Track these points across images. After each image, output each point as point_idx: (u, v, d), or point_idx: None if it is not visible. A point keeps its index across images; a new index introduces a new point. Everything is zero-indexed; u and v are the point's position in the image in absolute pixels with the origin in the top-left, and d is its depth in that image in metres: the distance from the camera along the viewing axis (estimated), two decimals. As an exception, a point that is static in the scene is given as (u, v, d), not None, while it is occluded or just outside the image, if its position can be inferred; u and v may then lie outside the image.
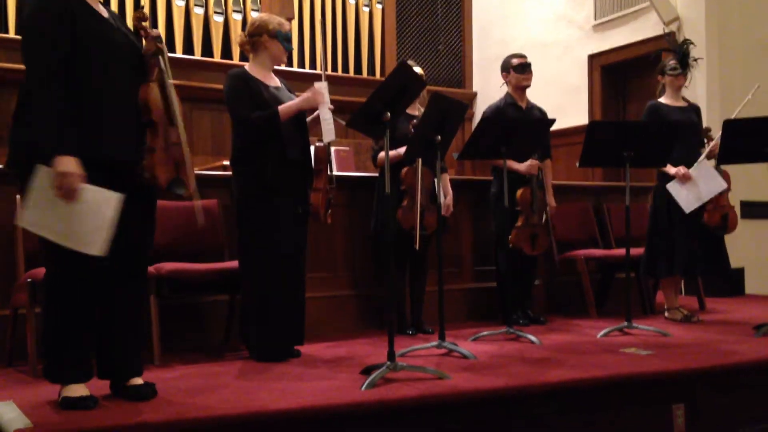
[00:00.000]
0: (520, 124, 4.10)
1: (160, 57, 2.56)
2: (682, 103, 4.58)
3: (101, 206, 2.32)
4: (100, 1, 2.57)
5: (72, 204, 2.27)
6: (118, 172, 2.42)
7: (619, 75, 7.07)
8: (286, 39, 3.49)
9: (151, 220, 2.69)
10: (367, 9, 7.91)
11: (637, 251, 4.87)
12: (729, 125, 4.00)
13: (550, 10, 7.58)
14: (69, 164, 2.24)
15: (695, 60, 4.64)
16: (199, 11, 6.94)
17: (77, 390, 2.42)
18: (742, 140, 3.98)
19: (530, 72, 4.55)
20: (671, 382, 3.00)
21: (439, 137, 3.43)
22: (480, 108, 8.33)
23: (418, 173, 3.92)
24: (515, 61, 4.53)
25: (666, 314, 4.59)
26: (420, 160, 3.89)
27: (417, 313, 4.20)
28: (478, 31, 8.53)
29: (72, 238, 2.29)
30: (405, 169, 3.95)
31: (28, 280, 3.06)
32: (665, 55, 4.74)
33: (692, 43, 4.67)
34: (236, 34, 7.05)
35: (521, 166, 4.31)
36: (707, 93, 5.92)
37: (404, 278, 4.16)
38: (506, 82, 4.60)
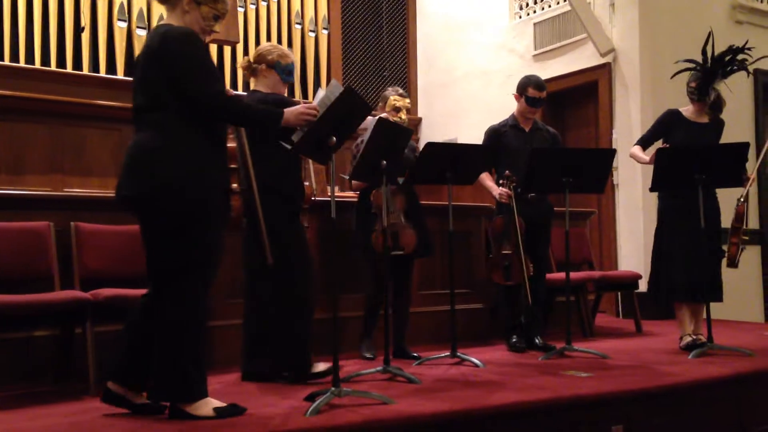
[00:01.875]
0: (464, 149, 4.12)
1: None
2: (703, 119, 4.38)
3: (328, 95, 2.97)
4: None
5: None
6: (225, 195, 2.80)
7: (558, 104, 7.26)
8: (286, 71, 3.50)
9: None
10: (313, 34, 7.96)
11: (576, 275, 5.00)
12: (661, 153, 4.13)
13: (492, 40, 7.77)
14: (291, 113, 2.83)
15: (727, 76, 4.33)
16: (141, 33, 6.86)
17: (212, 402, 2.62)
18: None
19: (540, 107, 4.45)
20: (610, 404, 3.07)
21: (385, 162, 3.46)
22: (425, 133, 8.46)
23: (382, 194, 3.81)
24: (531, 91, 4.38)
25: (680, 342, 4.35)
26: (386, 181, 3.86)
27: (399, 338, 4.14)
28: (423, 58, 8.68)
29: None
30: (374, 192, 3.92)
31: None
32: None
33: (736, 68, 4.32)
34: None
35: (494, 191, 4.30)
36: (642, 120, 6.16)
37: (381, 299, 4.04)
38: (516, 101, 4.49)
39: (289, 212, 3.45)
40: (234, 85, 7.36)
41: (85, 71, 6.61)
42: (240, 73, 7.36)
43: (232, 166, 3.04)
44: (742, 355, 3.95)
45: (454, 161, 3.85)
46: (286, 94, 3.67)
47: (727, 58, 4.32)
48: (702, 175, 4.02)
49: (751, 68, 4.47)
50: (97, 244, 3.63)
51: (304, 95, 7.83)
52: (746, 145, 4.11)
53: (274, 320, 3.38)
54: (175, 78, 2.61)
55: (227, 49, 7.28)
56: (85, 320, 3.24)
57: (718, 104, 4.38)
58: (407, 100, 4.21)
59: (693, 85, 4.38)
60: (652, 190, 4.29)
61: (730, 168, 4.08)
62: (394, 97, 4.15)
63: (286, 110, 2.84)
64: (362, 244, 3.97)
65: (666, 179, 4.15)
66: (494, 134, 4.46)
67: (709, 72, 4.32)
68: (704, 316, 4.27)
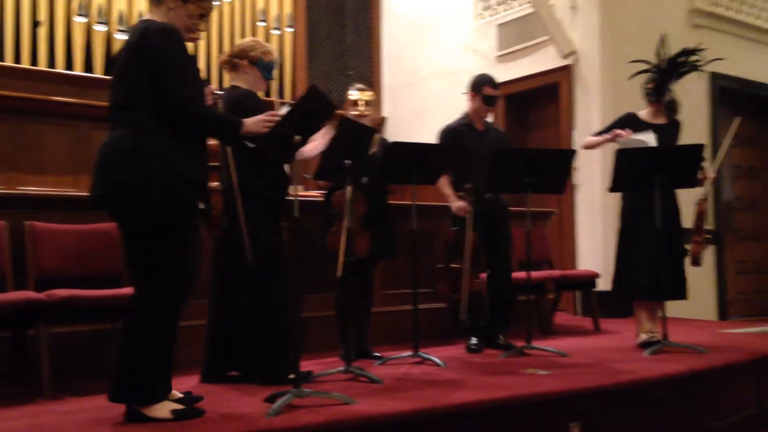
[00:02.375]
0: (429, 149, 4.05)
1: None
2: (660, 120, 4.47)
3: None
4: None
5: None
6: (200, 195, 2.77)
7: (521, 104, 7.34)
8: (268, 69, 3.49)
9: None
10: (277, 32, 7.91)
11: (537, 274, 5.06)
12: (621, 154, 4.19)
13: (457, 40, 7.82)
14: (252, 122, 2.80)
15: (683, 73, 4.41)
16: (100, 28, 6.74)
17: (170, 405, 2.58)
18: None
19: (495, 106, 4.45)
20: (568, 402, 3.11)
21: (349, 161, 3.45)
22: (391, 132, 8.47)
23: (343, 196, 3.80)
24: (487, 90, 4.36)
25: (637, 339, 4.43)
26: (349, 183, 3.85)
27: (361, 338, 4.12)
28: (388, 58, 8.68)
29: None
30: (335, 193, 3.90)
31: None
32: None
33: (689, 69, 4.41)
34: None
35: (452, 203, 4.28)
36: (602, 121, 6.24)
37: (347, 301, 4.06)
38: (470, 100, 4.45)
39: (272, 212, 3.42)
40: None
41: (42, 67, 6.46)
42: (201, 69, 7.29)
43: (214, 164, 2.99)
44: (696, 352, 4.04)
45: (419, 161, 3.85)
46: (264, 89, 3.67)
47: (681, 59, 4.42)
48: (659, 175, 4.11)
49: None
50: (53, 243, 3.55)
51: (266, 94, 7.76)
52: (701, 146, 4.20)
53: (252, 322, 3.35)
54: (155, 75, 2.58)
55: (189, 47, 7.18)
56: (39, 321, 3.17)
57: (673, 105, 4.49)
58: (367, 93, 4.19)
59: (649, 86, 4.47)
60: (611, 190, 4.36)
61: (686, 169, 4.17)
62: (349, 91, 4.18)
63: (246, 120, 2.82)
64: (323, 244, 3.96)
65: (624, 180, 4.22)
66: (451, 133, 4.41)
67: (664, 73, 4.41)
68: (659, 313, 4.36)
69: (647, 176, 4.12)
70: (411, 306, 3.92)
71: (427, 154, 3.92)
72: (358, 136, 3.56)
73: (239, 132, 2.79)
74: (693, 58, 4.44)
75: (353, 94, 4.17)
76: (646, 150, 4.22)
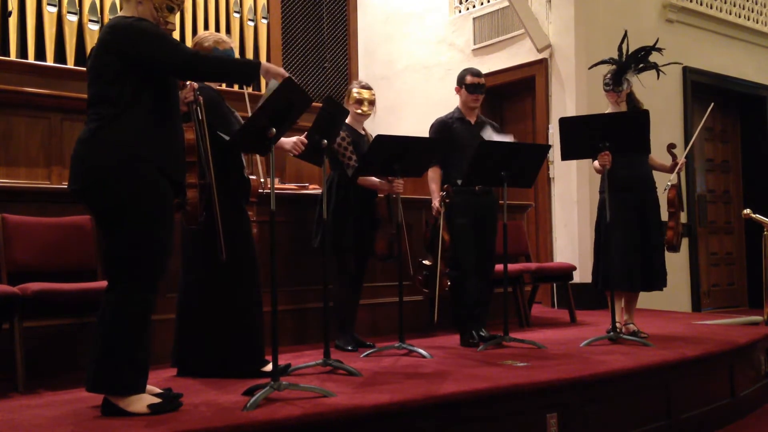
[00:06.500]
0: (414, 142, 3.98)
1: (198, 107, 2.98)
2: (623, 110, 4.54)
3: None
4: None
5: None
6: (175, 189, 2.76)
7: (497, 98, 7.36)
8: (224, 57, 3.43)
9: None
10: (252, 23, 7.83)
11: (514, 267, 5.08)
12: (563, 122, 4.24)
13: (432, 34, 7.82)
14: (269, 66, 2.91)
15: (641, 69, 4.52)
16: (72, 18, 6.62)
17: (147, 399, 2.56)
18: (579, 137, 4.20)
19: (481, 94, 4.45)
20: (545, 392, 3.13)
21: (325, 141, 3.47)
22: (366, 125, 8.43)
23: (397, 202, 3.97)
24: (469, 78, 4.43)
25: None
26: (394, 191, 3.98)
27: (353, 329, 4.21)
28: (364, 50, 8.65)
29: None
30: (379, 198, 4.02)
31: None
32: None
33: (647, 65, 4.52)
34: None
35: (434, 200, 4.30)
36: (576, 112, 6.30)
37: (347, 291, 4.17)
38: (457, 95, 4.52)
39: (235, 205, 3.39)
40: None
41: (13, 57, 6.33)
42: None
43: (191, 160, 2.95)
44: (646, 346, 4.05)
45: (403, 154, 3.84)
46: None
47: (640, 54, 4.50)
48: (605, 143, 4.15)
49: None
50: (26, 236, 3.49)
51: (241, 86, 7.68)
52: (646, 112, 4.20)
53: (226, 316, 3.32)
54: (141, 58, 2.61)
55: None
56: (13, 316, 3.12)
57: (632, 97, 4.58)
58: (371, 92, 4.24)
59: (608, 77, 4.57)
60: (562, 159, 4.38)
61: (633, 135, 4.19)
62: (353, 89, 4.20)
63: (264, 62, 2.91)
64: (334, 241, 3.98)
65: (572, 148, 4.27)
66: (443, 126, 4.45)
67: (623, 65, 4.50)
68: (636, 305, 4.42)
69: (594, 143, 4.17)
70: (389, 299, 3.92)
71: (411, 148, 3.91)
72: (336, 118, 3.56)
73: (258, 72, 2.84)
74: (653, 54, 4.51)
75: (360, 93, 4.17)
76: (590, 117, 4.32)
